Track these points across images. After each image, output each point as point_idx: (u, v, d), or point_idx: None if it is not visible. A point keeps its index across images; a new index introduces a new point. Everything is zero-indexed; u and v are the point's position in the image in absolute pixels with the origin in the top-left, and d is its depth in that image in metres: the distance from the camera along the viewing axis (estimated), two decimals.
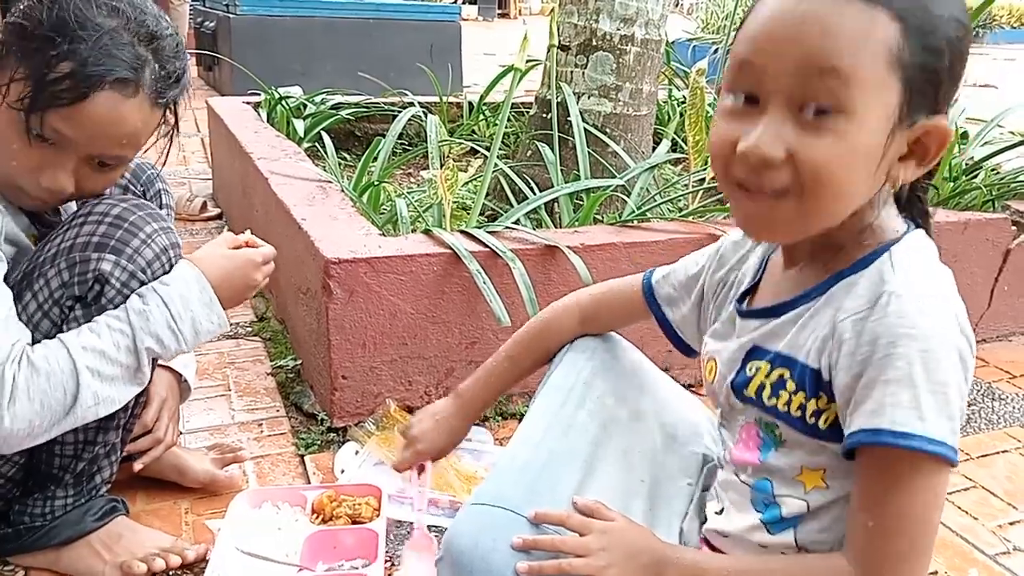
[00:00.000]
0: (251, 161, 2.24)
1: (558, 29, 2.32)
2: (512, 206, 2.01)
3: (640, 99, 2.35)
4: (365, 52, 5.19)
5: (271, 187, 1.98)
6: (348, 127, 3.15)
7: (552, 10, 2.42)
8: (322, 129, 2.73)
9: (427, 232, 1.70)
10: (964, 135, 2.70)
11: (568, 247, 1.67)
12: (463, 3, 10.76)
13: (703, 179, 2.20)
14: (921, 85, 0.73)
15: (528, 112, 2.57)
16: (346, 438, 1.59)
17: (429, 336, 1.64)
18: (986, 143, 2.62)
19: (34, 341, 1.05)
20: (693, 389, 1.17)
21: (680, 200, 2.20)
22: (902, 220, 0.84)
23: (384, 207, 2.12)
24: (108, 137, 1.06)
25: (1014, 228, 2.15)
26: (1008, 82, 8.00)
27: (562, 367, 1.08)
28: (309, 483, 1.47)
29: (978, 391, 1.94)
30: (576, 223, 1.94)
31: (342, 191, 1.98)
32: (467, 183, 2.21)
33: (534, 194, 2.03)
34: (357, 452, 1.53)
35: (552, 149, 2.21)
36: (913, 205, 0.86)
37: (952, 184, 2.27)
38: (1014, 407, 1.87)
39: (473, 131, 3.18)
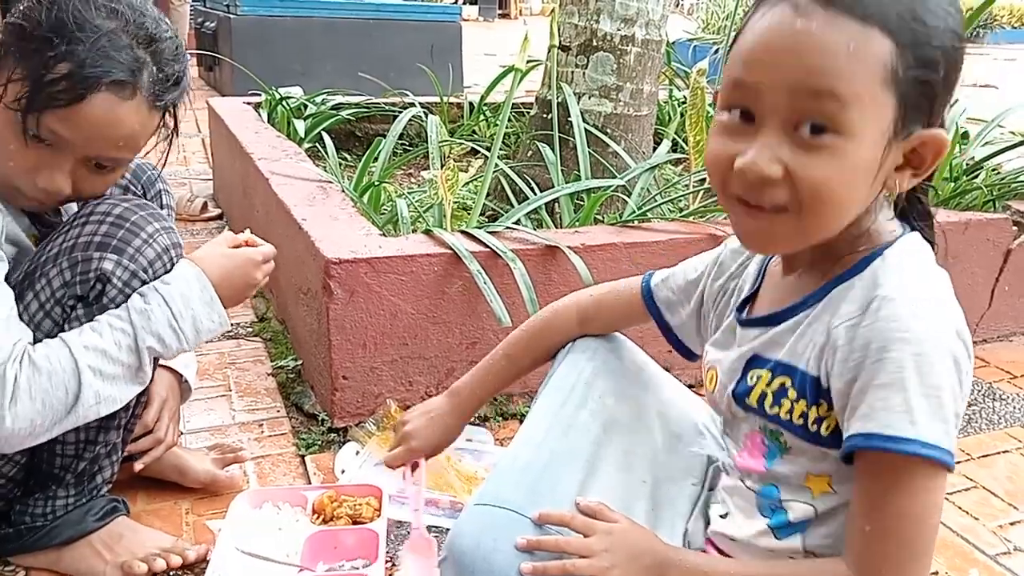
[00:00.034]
0: (252, 161, 2.25)
1: (559, 29, 2.32)
2: (513, 206, 2.01)
3: (641, 99, 2.35)
4: (365, 52, 5.18)
5: (272, 187, 1.98)
6: (349, 127, 3.15)
7: (553, 10, 2.42)
8: (323, 129, 2.73)
9: (428, 232, 1.70)
10: (965, 135, 2.69)
11: (569, 247, 1.67)
12: (463, 3, 10.76)
13: (704, 179, 2.20)
14: (916, 99, 0.73)
15: (529, 112, 2.57)
16: (347, 438, 1.59)
17: (430, 336, 1.64)
18: (987, 143, 2.62)
19: (36, 340, 1.05)
20: (695, 389, 1.16)
21: (681, 200, 2.20)
22: (898, 223, 0.84)
23: (385, 207, 2.12)
24: (105, 139, 1.06)
25: (1015, 228, 2.15)
26: (1008, 82, 7.99)
27: (564, 367, 1.08)
28: (310, 483, 1.47)
29: (979, 391, 1.94)
30: (577, 223, 1.94)
31: (343, 191, 1.98)
32: (468, 183, 2.21)
33: (535, 194, 2.03)
34: (358, 452, 1.53)
35: (553, 149, 2.21)
36: (914, 207, 0.86)
37: (953, 184, 2.27)
38: (1015, 407, 1.87)
39: (474, 131, 3.19)
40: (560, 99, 2.29)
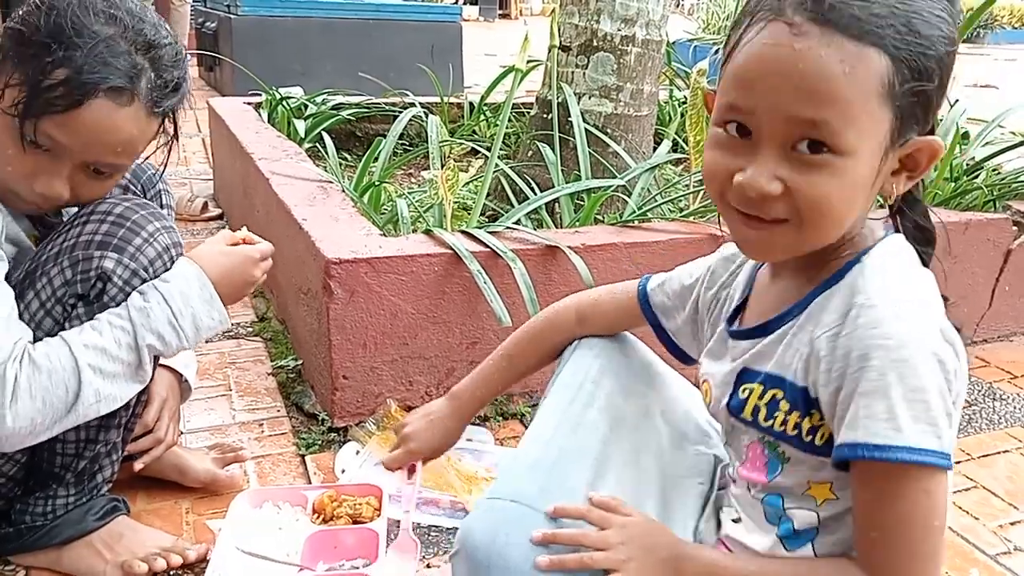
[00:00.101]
0: (252, 161, 2.25)
1: (559, 30, 2.32)
2: (513, 206, 2.01)
3: (641, 99, 2.35)
4: (366, 52, 5.18)
5: (272, 187, 1.98)
6: (349, 127, 3.15)
7: (553, 11, 2.42)
8: (323, 129, 2.73)
9: (428, 232, 1.70)
10: (965, 135, 2.69)
11: (569, 247, 1.67)
12: (464, 3, 10.76)
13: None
14: (912, 109, 0.74)
15: (529, 112, 2.57)
16: (347, 438, 1.59)
17: (430, 336, 1.64)
18: (987, 143, 2.62)
19: (36, 339, 1.05)
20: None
21: (681, 200, 2.20)
22: (882, 224, 0.84)
23: (385, 207, 2.12)
24: (102, 145, 1.06)
25: (1015, 228, 2.15)
26: (1009, 82, 7.99)
27: (571, 365, 1.08)
28: (310, 483, 1.47)
29: (979, 391, 1.94)
30: (577, 223, 1.94)
31: (343, 191, 1.99)
32: (468, 183, 2.21)
33: (535, 194, 2.03)
34: (358, 452, 1.53)
35: (553, 149, 2.21)
36: (913, 207, 0.86)
37: (953, 184, 2.27)
38: (1015, 407, 1.87)
39: (474, 131, 3.18)
40: (560, 99, 2.29)
